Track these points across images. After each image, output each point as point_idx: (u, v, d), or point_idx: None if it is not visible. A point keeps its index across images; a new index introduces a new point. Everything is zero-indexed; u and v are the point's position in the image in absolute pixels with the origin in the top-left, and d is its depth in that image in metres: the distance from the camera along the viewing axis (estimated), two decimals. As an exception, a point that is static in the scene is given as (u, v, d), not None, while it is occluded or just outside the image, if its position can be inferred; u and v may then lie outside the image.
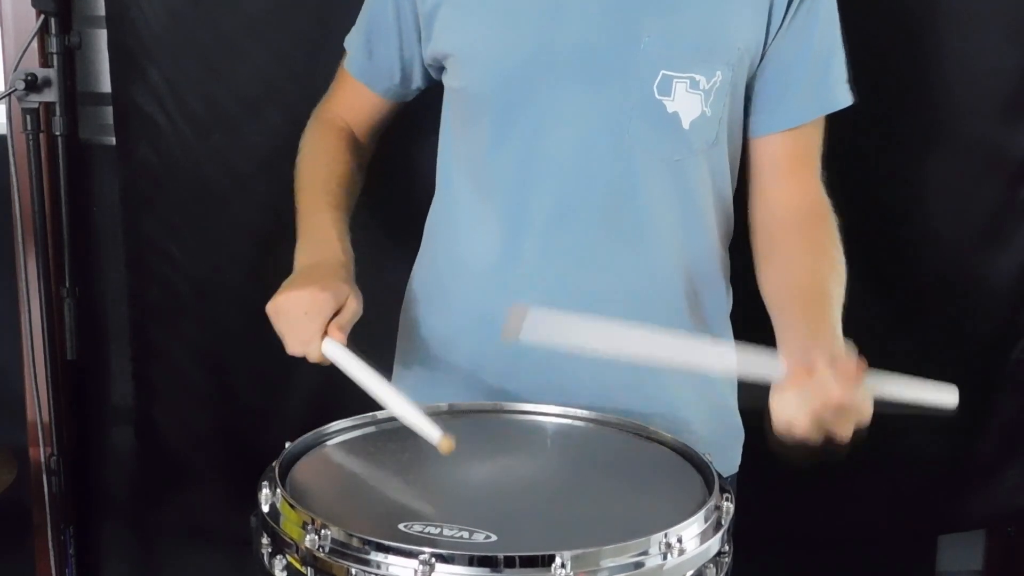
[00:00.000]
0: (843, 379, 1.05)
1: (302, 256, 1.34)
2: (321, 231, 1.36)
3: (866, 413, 1.08)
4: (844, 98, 1.39)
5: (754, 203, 1.41)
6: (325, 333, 1.24)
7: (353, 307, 1.26)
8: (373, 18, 1.45)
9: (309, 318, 1.23)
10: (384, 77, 1.47)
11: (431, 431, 1.15)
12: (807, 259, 1.32)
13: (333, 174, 1.44)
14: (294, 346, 1.25)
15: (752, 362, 1.15)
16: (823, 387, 1.05)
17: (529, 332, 1.13)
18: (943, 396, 1.08)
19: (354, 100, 1.50)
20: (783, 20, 1.33)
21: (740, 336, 1.49)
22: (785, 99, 1.36)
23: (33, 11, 1.73)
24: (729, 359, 1.20)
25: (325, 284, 1.26)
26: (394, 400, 1.21)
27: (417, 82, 1.47)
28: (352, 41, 1.49)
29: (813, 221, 1.36)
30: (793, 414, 1.07)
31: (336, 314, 1.25)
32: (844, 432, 1.08)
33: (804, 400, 1.07)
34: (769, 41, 1.34)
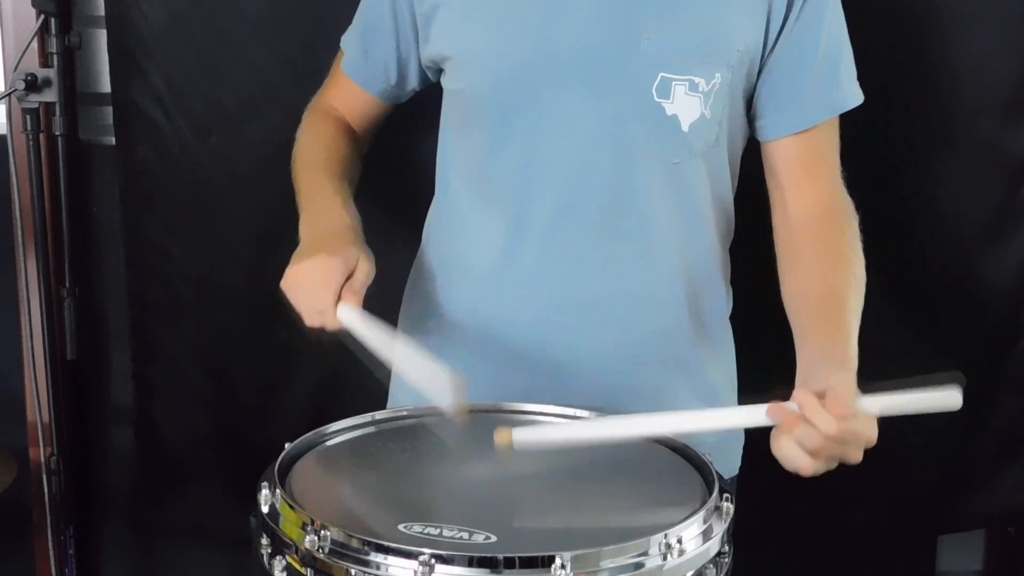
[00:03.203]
0: (833, 415, 1.04)
1: (307, 227, 1.33)
2: (324, 200, 1.36)
3: (870, 436, 1.07)
4: (854, 97, 1.39)
5: (774, 208, 1.40)
6: (339, 299, 1.23)
7: (365, 268, 1.25)
8: (369, 19, 1.44)
9: (321, 285, 1.23)
10: (379, 78, 1.47)
11: (446, 396, 1.14)
12: (824, 268, 1.31)
13: (333, 155, 1.44)
14: (311, 317, 1.24)
15: (741, 418, 1.15)
16: (815, 426, 1.04)
17: (519, 446, 1.13)
18: (945, 400, 1.07)
19: (349, 99, 1.50)
20: (783, 22, 1.32)
21: (740, 337, 1.49)
22: (795, 101, 1.36)
23: (33, 11, 1.73)
24: (717, 420, 1.20)
25: (333, 249, 1.25)
26: (409, 363, 1.20)
27: (413, 84, 1.47)
28: (348, 41, 1.49)
29: (831, 225, 1.35)
30: (794, 457, 1.07)
31: (348, 279, 1.24)
32: (853, 458, 1.07)
33: (801, 443, 1.06)
34: (769, 43, 1.33)
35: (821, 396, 1.06)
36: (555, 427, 1.18)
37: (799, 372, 1.19)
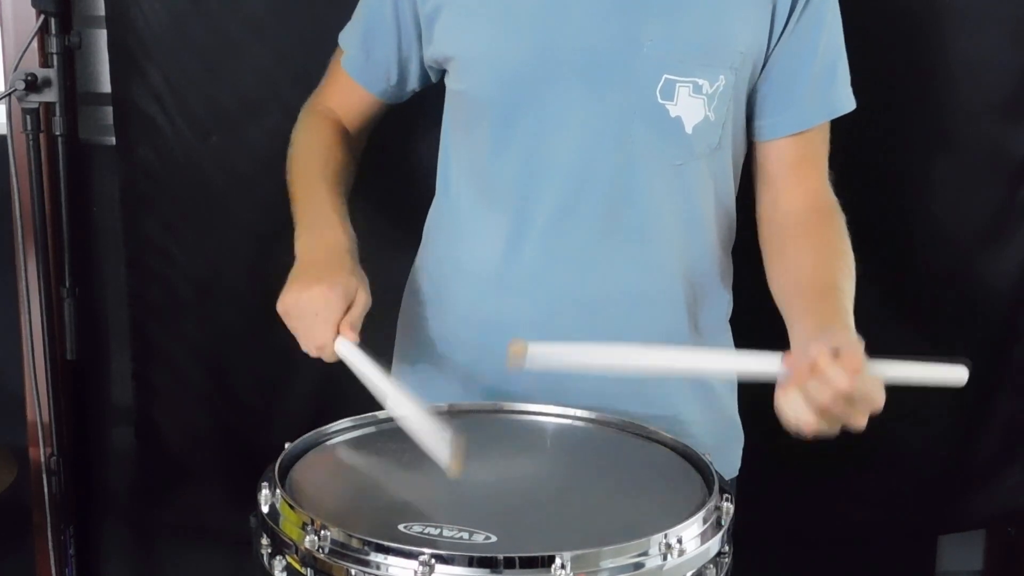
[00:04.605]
0: (846, 370, 1.04)
1: (304, 241, 1.33)
2: (322, 214, 1.35)
3: (878, 400, 1.07)
4: (849, 102, 1.39)
5: (762, 205, 1.41)
6: (337, 332, 1.23)
7: (363, 300, 1.25)
8: (371, 18, 1.44)
9: (321, 319, 1.23)
10: (381, 78, 1.47)
11: (440, 449, 1.13)
12: (816, 255, 1.32)
13: (329, 161, 1.44)
14: (309, 348, 1.25)
15: (752, 363, 1.15)
16: (827, 382, 1.04)
17: (532, 362, 1.12)
18: (952, 374, 1.07)
19: (348, 97, 1.50)
20: (786, 25, 1.33)
21: (740, 341, 1.49)
22: (792, 103, 1.36)
23: (33, 11, 1.72)
24: (729, 362, 1.20)
25: (333, 280, 1.25)
26: (404, 410, 1.19)
27: (413, 84, 1.47)
28: (348, 39, 1.48)
29: (821, 220, 1.36)
30: (800, 413, 1.06)
31: (347, 310, 1.24)
32: (858, 422, 1.07)
33: (809, 398, 1.06)
34: (772, 46, 1.33)
35: (835, 353, 1.06)
36: (571, 348, 1.17)
37: (794, 348, 1.18)
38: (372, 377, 1.21)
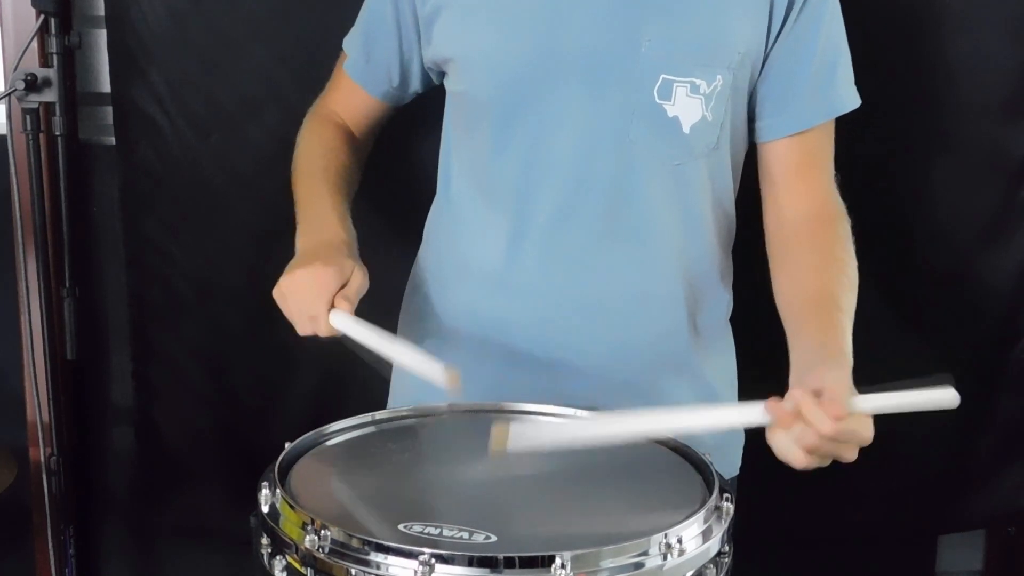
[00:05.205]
0: (828, 415, 1.04)
1: (303, 239, 1.34)
2: (321, 213, 1.36)
3: (865, 435, 1.07)
4: (851, 101, 1.39)
5: (767, 210, 1.40)
6: (332, 307, 1.23)
7: (359, 279, 1.26)
8: (372, 20, 1.45)
9: (314, 294, 1.23)
10: (382, 80, 1.47)
11: (437, 377, 1.16)
12: (817, 267, 1.31)
13: (332, 164, 1.44)
14: (303, 325, 1.25)
15: (737, 416, 1.16)
16: (812, 425, 1.05)
17: (515, 443, 1.12)
18: (941, 398, 1.07)
19: (351, 101, 1.50)
20: (783, 24, 1.33)
21: (741, 340, 1.49)
22: (791, 103, 1.36)
23: (33, 11, 1.73)
24: (714, 418, 1.20)
25: (328, 260, 1.26)
26: (408, 357, 1.21)
27: (415, 85, 1.47)
28: (351, 43, 1.49)
29: (824, 226, 1.35)
30: (789, 454, 1.07)
31: (342, 288, 1.24)
32: (847, 456, 1.08)
33: (796, 441, 1.06)
34: (770, 45, 1.33)
35: (818, 394, 1.06)
36: (551, 428, 1.18)
37: (793, 369, 1.19)
38: (372, 341, 1.22)
